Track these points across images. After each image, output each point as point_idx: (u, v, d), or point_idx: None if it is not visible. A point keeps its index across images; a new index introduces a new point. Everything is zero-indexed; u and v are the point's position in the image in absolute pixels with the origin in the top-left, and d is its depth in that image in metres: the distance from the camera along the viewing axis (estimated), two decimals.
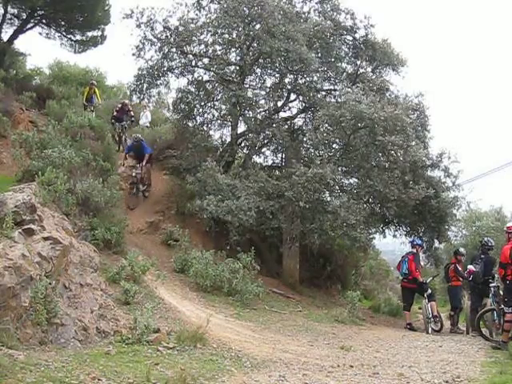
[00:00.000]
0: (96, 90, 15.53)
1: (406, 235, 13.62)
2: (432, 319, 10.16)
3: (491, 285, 8.85)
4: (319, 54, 13.06)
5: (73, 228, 6.97)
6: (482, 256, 9.86)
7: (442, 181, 13.01)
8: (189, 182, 11.50)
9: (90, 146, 11.00)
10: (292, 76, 13.27)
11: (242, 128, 13.42)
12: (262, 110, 13.31)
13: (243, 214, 10.36)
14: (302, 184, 10.57)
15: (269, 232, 11.32)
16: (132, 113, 14.61)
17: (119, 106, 14.51)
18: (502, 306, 7.51)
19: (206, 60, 13.14)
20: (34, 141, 10.13)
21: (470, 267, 10.24)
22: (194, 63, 13.16)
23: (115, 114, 14.22)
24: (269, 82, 13.66)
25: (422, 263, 12.02)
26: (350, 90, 11.67)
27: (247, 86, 13.40)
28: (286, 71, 12.87)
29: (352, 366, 5.86)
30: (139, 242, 10.37)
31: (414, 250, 10.95)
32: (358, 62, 13.84)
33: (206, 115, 13.72)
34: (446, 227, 13.46)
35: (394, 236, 13.94)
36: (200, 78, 13.43)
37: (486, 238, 10.43)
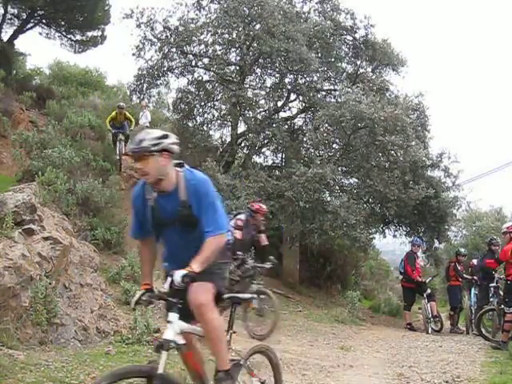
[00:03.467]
0: (127, 113, 12.17)
1: (406, 235, 13.62)
2: (432, 319, 10.15)
3: (491, 285, 8.84)
4: (319, 54, 13.06)
5: (73, 228, 6.96)
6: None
7: (442, 181, 13.01)
8: None
9: (90, 145, 11.00)
10: (292, 76, 13.27)
11: (242, 128, 13.44)
12: (261, 109, 13.32)
13: None
14: (302, 184, 10.57)
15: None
16: None
17: None
18: (502, 306, 7.50)
19: (206, 60, 13.14)
20: (34, 141, 10.14)
21: (474, 261, 10.34)
22: (194, 63, 13.16)
23: None
24: (269, 82, 13.68)
25: (421, 263, 12.01)
26: (350, 89, 11.66)
27: (247, 86, 13.40)
28: (285, 71, 12.87)
29: (352, 366, 5.86)
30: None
31: (411, 250, 10.93)
32: (358, 62, 13.85)
33: (206, 115, 13.74)
34: (446, 227, 13.46)
35: (394, 236, 13.96)
36: (200, 78, 13.43)
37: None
